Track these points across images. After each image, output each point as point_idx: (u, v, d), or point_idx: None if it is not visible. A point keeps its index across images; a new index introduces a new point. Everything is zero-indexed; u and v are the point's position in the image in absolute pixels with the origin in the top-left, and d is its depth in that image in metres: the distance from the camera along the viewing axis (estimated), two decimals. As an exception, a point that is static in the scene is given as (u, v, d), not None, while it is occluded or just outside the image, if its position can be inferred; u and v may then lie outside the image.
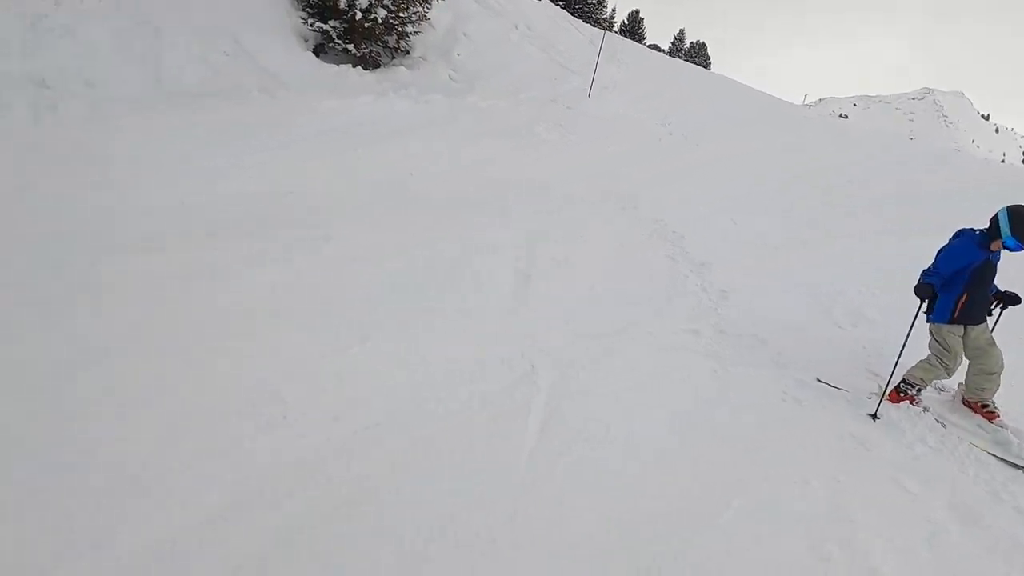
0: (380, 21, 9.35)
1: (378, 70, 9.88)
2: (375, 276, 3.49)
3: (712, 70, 29.77)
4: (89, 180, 3.81)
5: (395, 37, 9.96)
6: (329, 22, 9.29)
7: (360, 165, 5.24)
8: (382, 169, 5.20)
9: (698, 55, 31.74)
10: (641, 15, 31.83)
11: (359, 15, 9.15)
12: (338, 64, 9.43)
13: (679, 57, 28.43)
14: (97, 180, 3.83)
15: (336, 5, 9.15)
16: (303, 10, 9.46)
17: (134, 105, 5.48)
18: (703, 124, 10.71)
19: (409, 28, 9.98)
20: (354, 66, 9.51)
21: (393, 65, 10.24)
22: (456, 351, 2.86)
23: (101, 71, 6.65)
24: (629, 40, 17.14)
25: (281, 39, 9.07)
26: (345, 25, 9.38)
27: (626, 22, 32.12)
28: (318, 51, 9.57)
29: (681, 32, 32.24)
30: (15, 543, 1.60)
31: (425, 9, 10.05)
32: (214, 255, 3.25)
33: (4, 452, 1.85)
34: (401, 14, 9.62)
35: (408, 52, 10.50)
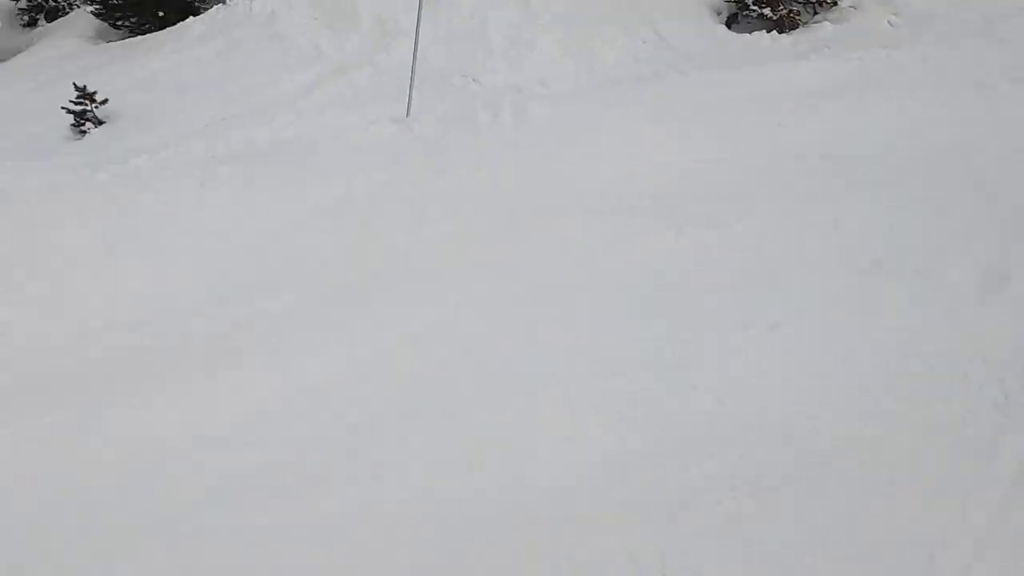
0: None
1: (796, 31, 9.06)
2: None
3: None
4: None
5: (819, -12, 8.86)
6: (744, -13, 9.00)
7: (777, 136, 5.00)
8: (802, 141, 4.76)
9: None
10: None
11: (779, -28, 8.52)
12: (751, 32, 9.11)
13: None
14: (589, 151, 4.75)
15: (752, -33, 8.77)
16: (718, -19, 9.44)
17: (578, 96, 6.69)
18: None
19: (839, -26, 8.69)
20: (768, 31, 9.00)
21: (814, 22, 9.18)
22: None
23: (550, 72, 8.41)
24: None
25: (695, 18, 9.35)
26: (759, -13, 8.91)
27: None
28: (731, 22, 9.45)
29: None
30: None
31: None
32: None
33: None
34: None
35: (835, 3, 9.20)
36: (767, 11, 9.06)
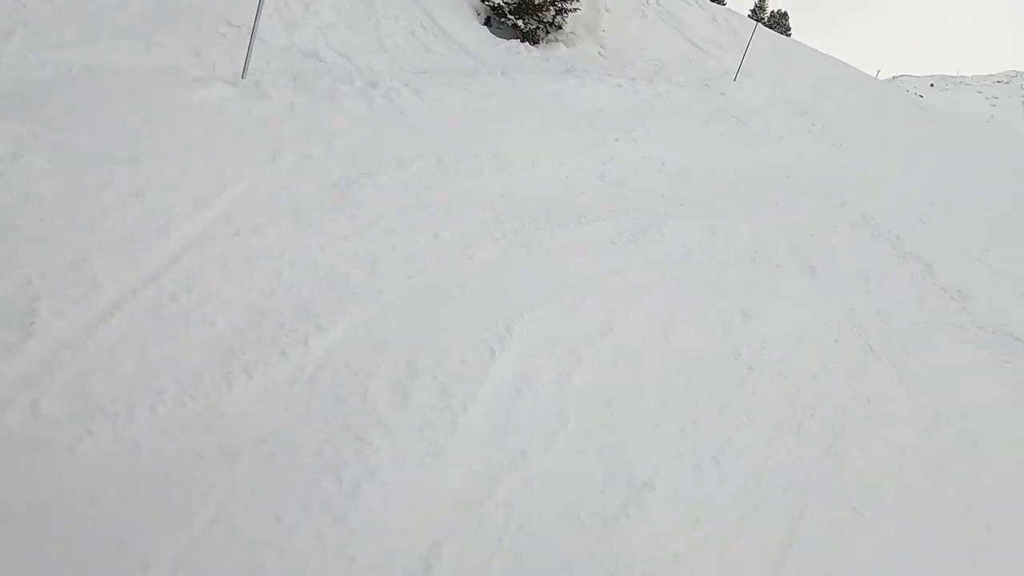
0: (549, -2, 10.05)
1: (539, 46, 10.62)
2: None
3: (792, 36, 29.55)
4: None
5: (552, 12, 10.64)
6: (503, -3, 10.00)
7: (637, 149, 6.09)
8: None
9: (778, 24, 31.49)
10: (722, -20, 31.51)
11: (533, -9, 9.85)
12: (507, 38, 10.20)
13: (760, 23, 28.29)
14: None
15: (512, -19, 9.85)
16: (475, -16, 10.17)
17: (400, 78, 6.30)
18: (827, 105, 11.30)
19: (569, 4, 10.65)
20: (521, 41, 10.26)
21: (550, 40, 10.94)
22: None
23: (344, 43, 7.54)
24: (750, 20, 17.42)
25: (462, 13, 9.84)
26: (515, 2, 10.09)
27: (709, -12, 31.82)
28: (488, 23, 10.33)
29: (763, 1, 31.89)
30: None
31: (585, -14, 10.68)
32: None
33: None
34: (565, -10, 10.31)
35: (560, 27, 11.17)
36: (520, 23, 10.32)
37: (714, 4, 17.15)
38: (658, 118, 7.39)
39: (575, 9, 10.75)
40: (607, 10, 12.40)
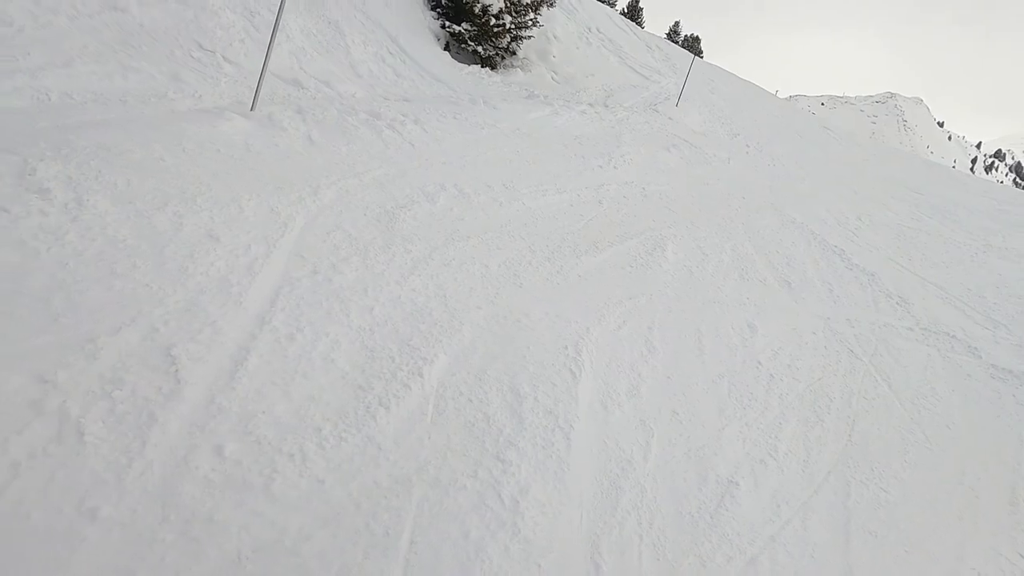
0: (506, 26, 10.55)
1: (498, 71, 11.08)
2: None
3: (704, 58, 32.14)
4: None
5: (508, 39, 11.16)
6: (463, 24, 10.38)
7: (613, 175, 6.64)
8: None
9: (691, 48, 34.06)
10: (640, 4, 33.68)
11: (492, 20, 10.31)
12: (468, 64, 10.56)
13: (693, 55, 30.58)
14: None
15: (472, 9, 10.26)
16: (433, 10, 10.49)
17: (397, 109, 6.53)
18: (750, 126, 12.60)
19: (524, 32, 11.21)
20: (482, 67, 10.67)
21: (507, 66, 11.44)
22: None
23: (319, 69, 7.59)
24: (680, 48, 18.82)
25: (423, 38, 10.08)
26: (475, 29, 10.51)
27: (625, 11, 33.84)
28: (447, 47, 10.65)
29: (677, 24, 34.37)
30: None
31: (538, 16, 11.31)
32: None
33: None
34: (520, 20, 10.86)
35: (515, 53, 11.71)
36: (480, 49, 10.73)
37: (647, 32, 18.46)
38: (626, 144, 8.01)
39: (530, 36, 11.31)
40: (556, 37, 13.10)
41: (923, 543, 2.72)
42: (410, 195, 4.40)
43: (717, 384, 3.47)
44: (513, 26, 10.64)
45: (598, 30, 14.60)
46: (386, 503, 2.02)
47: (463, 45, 10.38)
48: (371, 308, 2.99)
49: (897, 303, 5.70)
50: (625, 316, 3.83)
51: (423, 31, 10.11)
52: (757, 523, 2.52)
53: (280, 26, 7.80)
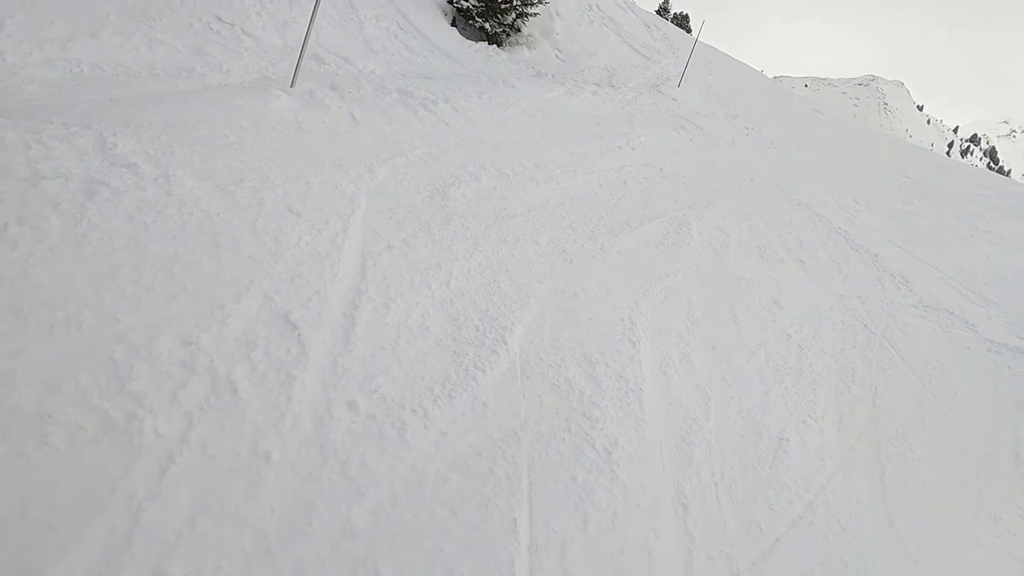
0: (512, 2, 10.62)
1: (504, 48, 11.16)
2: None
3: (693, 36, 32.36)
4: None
5: (514, 15, 11.23)
6: (471, 0, 10.42)
7: (632, 156, 6.90)
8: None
9: (682, 25, 34.23)
10: (630, -18, 33.54)
11: (500, -5, 10.37)
12: (475, 41, 10.62)
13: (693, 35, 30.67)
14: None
15: (479, -16, 10.30)
16: (442, -16, 10.49)
17: (427, 88, 6.65)
18: (747, 107, 12.95)
19: (530, 9, 11.29)
20: (488, 44, 10.74)
21: (512, 44, 11.52)
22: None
23: (336, 44, 7.63)
24: (672, 26, 18.95)
25: (432, 15, 10.11)
26: (482, 5, 10.56)
27: (615, -12, 33.69)
28: (454, 23, 10.69)
29: (666, 1, 34.37)
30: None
31: (545, -7, 11.36)
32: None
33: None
34: (527, -4, 10.93)
35: (519, 30, 11.79)
36: (487, 26, 10.78)
37: (645, 10, 18.52)
38: (639, 125, 8.25)
39: (535, 14, 11.38)
40: (559, 15, 13.16)
41: (947, 492, 3.10)
42: (455, 174, 4.59)
43: (755, 354, 3.79)
44: (519, 2, 10.69)
45: (598, 7, 14.67)
46: (502, 452, 2.29)
47: (470, 21, 10.43)
48: (447, 281, 3.22)
49: (900, 282, 6.10)
50: (666, 291, 4.12)
51: (431, 6, 10.12)
52: (808, 474, 2.86)
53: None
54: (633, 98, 9.84)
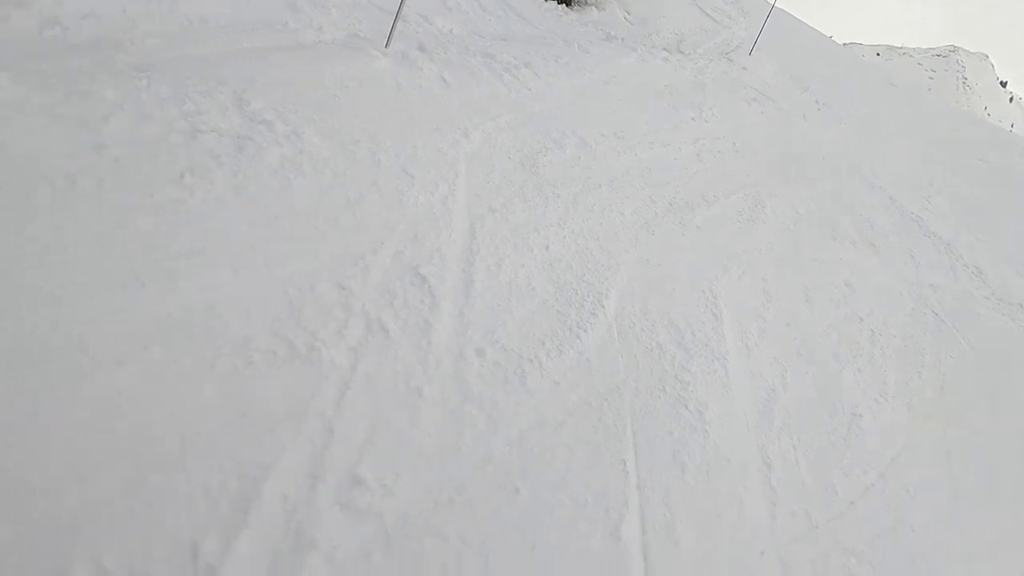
0: (586, -40, 10.45)
1: (572, 8, 11.05)
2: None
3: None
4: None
5: (583, -27, 11.05)
6: (543, -44, 10.29)
7: (703, 129, 6.94)
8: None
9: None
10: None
11: (573, -48, 10.21)
12: (546, 0, 10.55)
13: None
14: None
15: (553, -60, 10.15)
16: (514, -61, 10.37)
17: (509, 52, 6.76)
18: (819, 81, 12.52)
19: (601, -33, 11.05)
20: (558, 2, 10.66)
21: (581, 3, 11.38)
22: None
23: (416, 1, 7.76)
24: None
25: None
26: (554, -40, 10.42)
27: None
28: (523, -18, 10.59)
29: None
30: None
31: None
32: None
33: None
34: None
35: (589, -10, 11.59)
36: (557, -18, 10.67)
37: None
38: (711, 95, 8.21)
39: (607, -28, 11.16)
40: (628, -28, 12.84)
41: (1011, 475, 3.29)
42: (542, 142, 4.80)
43: (828, 333, 3.97)
44: (593, -40, 10.52)
45: (669, -33, 14.18)
46: (607, 404, 2.59)
47: (541, -21, 10.31)
48: (546, 246, 3.49)
49: (973, 273, 6.09)
50: (743, 267, 4.30)
51: (501, -41, 10.01)
52: (879, 447, 3.09)
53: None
54: (704, 66, 9.71)
